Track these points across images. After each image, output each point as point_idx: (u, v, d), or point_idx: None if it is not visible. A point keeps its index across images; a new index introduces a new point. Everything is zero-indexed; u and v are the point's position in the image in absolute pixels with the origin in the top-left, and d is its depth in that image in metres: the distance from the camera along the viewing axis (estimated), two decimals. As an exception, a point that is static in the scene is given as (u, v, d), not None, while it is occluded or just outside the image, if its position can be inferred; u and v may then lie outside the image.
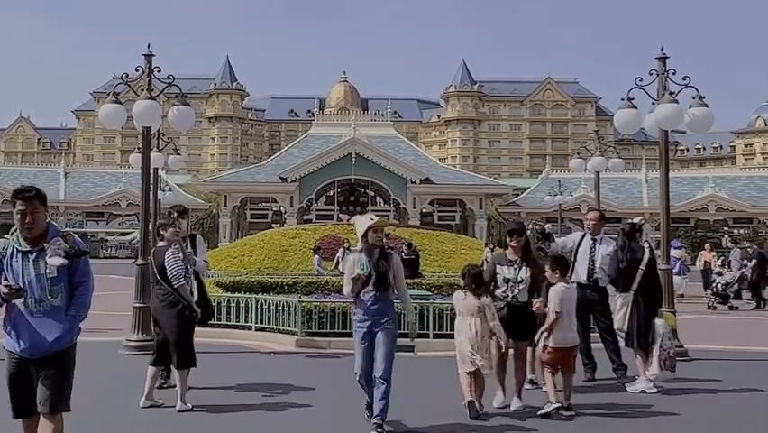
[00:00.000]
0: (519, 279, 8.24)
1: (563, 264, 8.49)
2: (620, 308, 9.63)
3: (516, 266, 8.30)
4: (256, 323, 13.90)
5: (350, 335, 12.62)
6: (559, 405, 7.91)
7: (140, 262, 12.86)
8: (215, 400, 8.57)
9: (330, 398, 8.97)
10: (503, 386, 8.33)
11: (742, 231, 62.24)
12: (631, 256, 9.75)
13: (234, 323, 14.02)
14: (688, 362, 11.68)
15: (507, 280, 8.31)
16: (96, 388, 9.60)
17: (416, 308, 13.15)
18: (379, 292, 7.25)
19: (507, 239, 8.51)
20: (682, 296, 23.96)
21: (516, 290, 8.24)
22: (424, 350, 12.10)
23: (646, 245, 9.94)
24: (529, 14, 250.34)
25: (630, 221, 10.44)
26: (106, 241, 61.80)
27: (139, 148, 15.89)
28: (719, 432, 7.89)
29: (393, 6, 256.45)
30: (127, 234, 63.57)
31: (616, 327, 9.73)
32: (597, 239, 10.21)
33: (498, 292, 8.28)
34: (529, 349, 8.80)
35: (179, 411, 7.92)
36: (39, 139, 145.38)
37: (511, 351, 8.38)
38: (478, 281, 8.00)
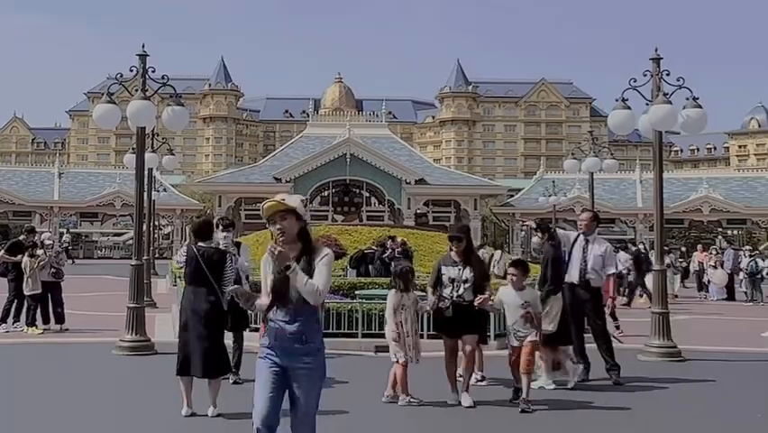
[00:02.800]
0: (464, 278, 8.54)
1: (524, 267, 9.05)
2: (557, 310, 9.54)
3: (459, 267, 8.61)
4: (250, 324, 13.85)
5: (344, 335, 12.77)
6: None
7: (134, 262, 12.83)
8: (208, 401, 8.55)
9: (323, 398, 8.97)
10: (453, 384, 8.65)
11: (736, 232, 62.39)
12: (559, 255, 10.01)
13: (229, 323, 13.97)
14: (681, 362, 11.72)
15: (452, 280, 8.57)
16: (93, 389, 9.59)
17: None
18: (295, 307, 4.89)
19: (449, 244, 8.84)
20: (676, 297, 24.08)
21: (462, 289, 8.52)
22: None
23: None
24: (523, 16, 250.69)
25: (538, 224, 10.74)
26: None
27: (133, 148, 15.89)
28: (710, 431, 7.92)
29: (388, 7, 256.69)
30: (121, 234, 63.45)
31: (550, 327, 9.49)
32: (589, 239, 10.23)
33: (446, 292, 8.58)
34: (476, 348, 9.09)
35: (212, 416, 7.82)
36: (33, 139, 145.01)
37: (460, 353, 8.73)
38: (404, 280, 8.76)
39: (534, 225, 10.78)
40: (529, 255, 49.97)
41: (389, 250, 22.14)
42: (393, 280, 9.02)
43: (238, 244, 10.29)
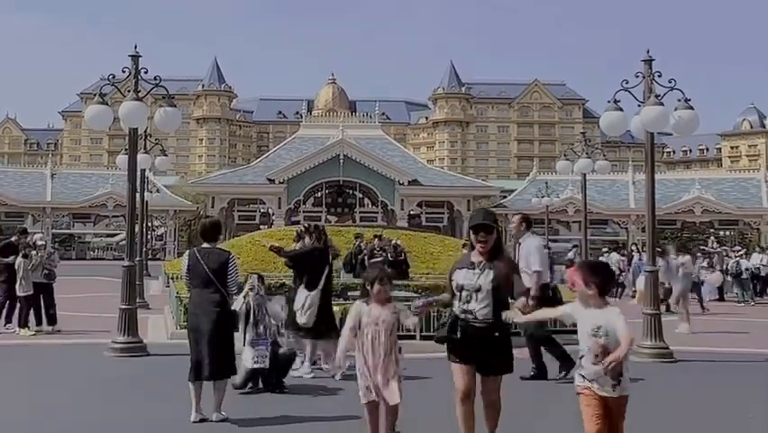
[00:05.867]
0: (476, 286, 5.79)
1: (602, 275, 5.30)
2: (309, 306, 10.07)
3: (477, 270, 5.85)
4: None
5: (337, 336, 12.73)
6: None
7: (126, 263, 12.80)
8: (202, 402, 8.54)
9: (317, 398, 8.98)
10: None
11: (728, 233, 62.61)
12: (321, 254, 10.45)
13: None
14: (672, 363, 11.75)
15: (460, 289, 5.86)
16: (85, 391, 9.58)
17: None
18: None
19: (472, 236, 5.98)
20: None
21: (474, 303, 5.79)
22: (410, 352, 12.09)
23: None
24: (517, 17, 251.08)
25: (311, 224, 11.37)
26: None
27: (126, 149, 15.85)
28: (702, 432, 7.95)
29: (381, 8, 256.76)
30: (114, 235, 63.37)
31: (302, 322, 10.12)
32: (520, 241, 10.50)
33: (455, 307, 5.93)
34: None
35: (216, 421, 7.63)
36: (25, 140, 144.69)
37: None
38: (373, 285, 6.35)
39: (304, 228, 11.03)
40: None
41: (375, 250, 21.64)
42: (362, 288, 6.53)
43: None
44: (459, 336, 5.81)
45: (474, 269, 5.86)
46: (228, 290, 8.02)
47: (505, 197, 65.60)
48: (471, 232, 5.97)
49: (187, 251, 8.52)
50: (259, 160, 69.63)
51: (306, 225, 11.12)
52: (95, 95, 13.45)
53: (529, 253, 10.20)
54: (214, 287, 7.89)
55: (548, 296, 10.13)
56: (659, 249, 15.55)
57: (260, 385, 9.26)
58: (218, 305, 7.90)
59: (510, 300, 5.87)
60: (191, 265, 7.99)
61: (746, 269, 25.68)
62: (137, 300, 13.68)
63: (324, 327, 10.13)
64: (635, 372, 10.85)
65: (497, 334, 5.79)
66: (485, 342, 5.76)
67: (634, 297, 24.30)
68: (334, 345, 9.80)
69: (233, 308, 8.58)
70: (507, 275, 5.84)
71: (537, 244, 10.46)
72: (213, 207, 60.31)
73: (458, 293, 5.88)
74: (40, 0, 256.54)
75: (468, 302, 5.80)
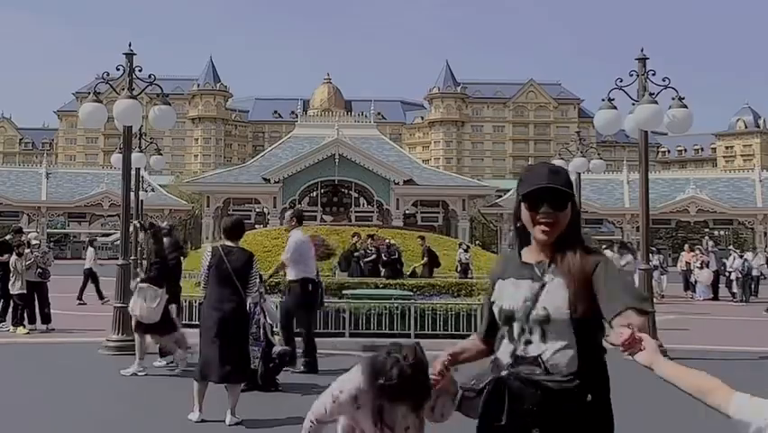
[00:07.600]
0: (542, 315, 2.82)
1: None
2: (155, 299, 10.16)
3: (537, 279, 2.88)
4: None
5: (331, 334, 12.79)
6: None
7: (120, 262, 12.79)
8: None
9: (311, 397, 8.97)
10: None
11: (722, 232, 62.74)
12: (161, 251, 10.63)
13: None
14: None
15: (508, 318, 2.91)
16: (80, 390, 9.56)
17: (397, 307, 13.23)
18: None
19: (525, 215, 2.90)
20: (663, 296, 24.22)
21: (539, 344, 2.85)
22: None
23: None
24: (512, 17, 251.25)
25: (163, 225, 11.89)
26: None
27: (121, 148, 15.84)
28: (694, 429, 7.96)
29: (377, 8, 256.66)
30: (109, 234, 63.28)
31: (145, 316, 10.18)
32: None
33: (501, 354, 2.94)
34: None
35: (230, 425, 7.48)
36: (21, 139, 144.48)
37: None
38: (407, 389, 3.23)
39: (138, 224, 11.29)
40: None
41: (370, 251, 21.70)
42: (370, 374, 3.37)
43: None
44: (504, 418, 2.79)
45: (531, 278, 2.91)
46: (248, 290, 7.91)
47: (500, 196, 65.65)
48: (524, 206, 2.90)
49: (210, 247, 8.24)
50: (254, 159, 69.51)
51: (141, 222, 11.71)
52: (89, 93, 13.44)
53: (289, 245, 10.50)
54: (234, 287, 7.73)
55: (308, 291, 10.58)
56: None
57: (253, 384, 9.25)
58: (238, 306, 7.77)
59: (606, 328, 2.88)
60: (214, 264, 7.79)
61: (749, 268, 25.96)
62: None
63: (168, 321, 10.49)
64: (629, 370, 10.91)
65: (589, 398, 2.95)
66: (564, 415, 2.85)
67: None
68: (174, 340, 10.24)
69: None
70: (588, 283, 2.79)
71: (298, 238, 10.60)
72: (208, 206, 60.22)
73: (504, 326, 2.97)
74: (37, 0, 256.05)
75: (527, 343, 2.87)
